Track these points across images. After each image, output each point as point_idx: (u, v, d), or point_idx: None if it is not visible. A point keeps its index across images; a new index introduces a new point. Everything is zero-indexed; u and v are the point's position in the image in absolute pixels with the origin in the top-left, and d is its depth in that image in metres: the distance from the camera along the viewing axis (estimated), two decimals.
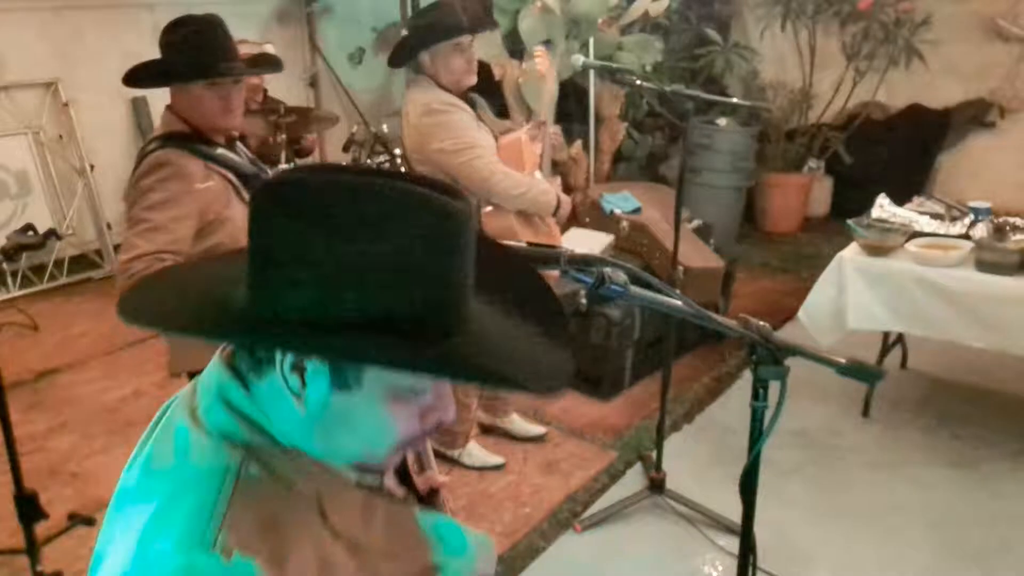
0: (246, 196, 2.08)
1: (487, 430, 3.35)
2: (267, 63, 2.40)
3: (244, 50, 4.03)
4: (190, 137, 2.07)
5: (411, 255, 0.74)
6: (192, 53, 2.01)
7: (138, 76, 2.11)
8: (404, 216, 0.74)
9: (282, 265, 0.75)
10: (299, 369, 0.78)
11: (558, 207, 2.82)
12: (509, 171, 2.71)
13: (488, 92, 2.88)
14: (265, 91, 4.13)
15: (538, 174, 2.91)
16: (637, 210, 4.14)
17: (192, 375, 2.09)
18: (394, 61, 2.83)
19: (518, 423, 3.33)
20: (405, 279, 0.74)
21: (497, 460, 3.16)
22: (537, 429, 3.33)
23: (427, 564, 0.91)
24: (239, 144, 2.25)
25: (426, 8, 2.81)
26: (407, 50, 2.76)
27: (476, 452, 3.16)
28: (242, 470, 0.79)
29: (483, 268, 0.83)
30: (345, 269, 0.73)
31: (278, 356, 0.79)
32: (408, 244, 0.74)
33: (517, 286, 0.92)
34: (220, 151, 2.10)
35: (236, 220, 2.05)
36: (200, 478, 0.79)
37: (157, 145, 2.06)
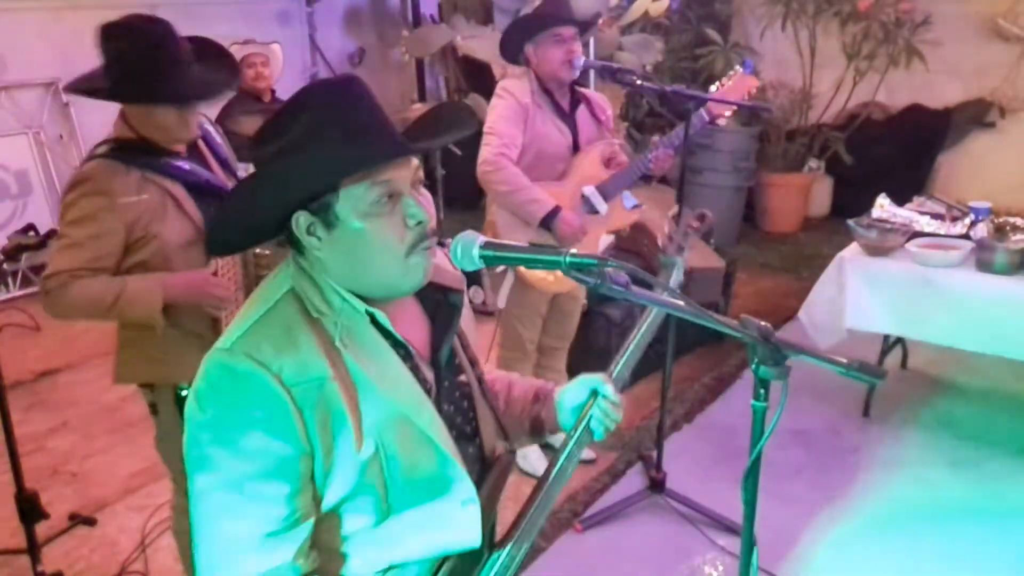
0: (190, 208, 1.93)
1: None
2: (215, 57, 2.08)
3: (250, 50, 4.04)
4: (134, 146, 1.95)
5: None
6: (143, 75, 1.86)
7: (81, 88, 2.00)
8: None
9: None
10: (308, 232, 1.07)
11: (551, 221, 2.70)
12: (506, 167, 2.68)
13: (489, 92, 2.87)
14: (273, 91, 4.12)
15: (589, 191, 2.82)
16: (636, 207, 4.13)
17: (144, 386, 2.00)
18: (504, 54, 2.84)
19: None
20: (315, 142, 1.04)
21: (587, 455, 3.12)
22: (587, 454, 3.18)
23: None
24: (214, 140, 2.12)
25: (540, 2, 2.84)
26: (513, 42, 2.77)
27: (532, 456, 3.11)
28: (278, 304, 1.07)
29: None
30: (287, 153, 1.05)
31: (294, 229, 1.07)
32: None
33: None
34: (168, 160, 1.96)
35: (165, 237, 1.91)
36: (253, 307, 1.09)
37: (97, 154, 1.97)
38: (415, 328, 1.18)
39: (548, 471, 1.24)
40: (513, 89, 2.75)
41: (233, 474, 1.01)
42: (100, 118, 5.87)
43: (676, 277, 1.58)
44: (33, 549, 2.52)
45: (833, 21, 5.72)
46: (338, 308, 1.09)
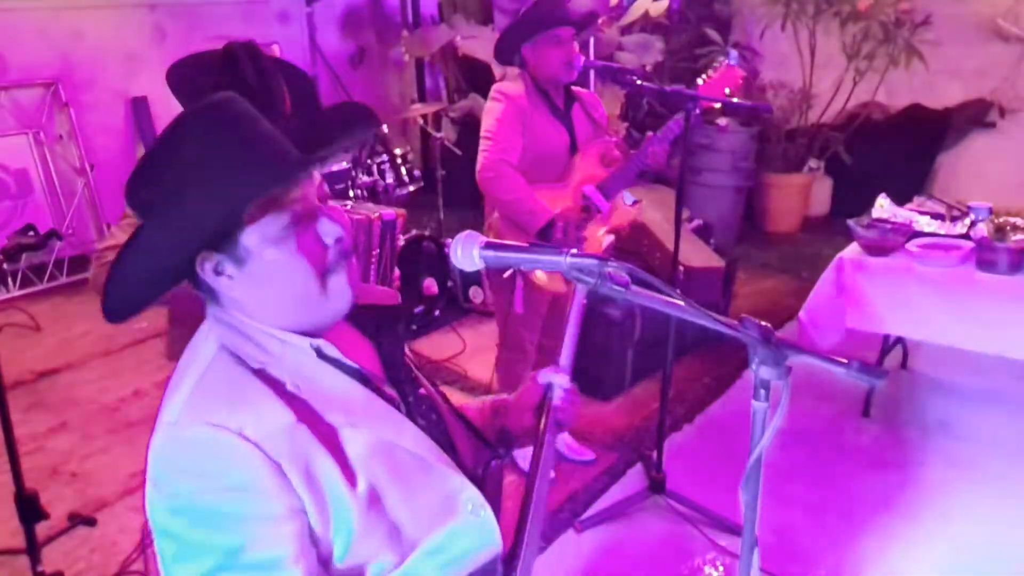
0: None
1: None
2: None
3: None
4: None
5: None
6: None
7: (176, 79, 1.94)
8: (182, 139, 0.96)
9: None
10: (216, 272, 0.98)
11: (548, 233, 2.67)
12: (507, 174, 2.67)
13: (488, 92, 2.86)
14: None
15: (589, 190, 2.80)
16: (635, 204, 4.13)
17: None
18: (499, 56, 2.84)
19: (565, 443, 3.22)
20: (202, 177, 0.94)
21: (587, 456, 3.15)
22: (586, 455, 3.20)
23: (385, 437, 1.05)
24: None
25: (534, 3, 2.83)
26: (510, 45, 2.76)
27: (566, 441, 3.13)
28: (212, 366, 0.99)
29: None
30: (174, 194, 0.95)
31: (200, 273, 0.98)
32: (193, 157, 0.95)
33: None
34: None
35: None
36: (184, 377, 1.01)
37: None
38: (360, 353, 1.12)
39: (532, 474, 1.19)
40: (508, 91, 2.74)
41: (225, 551, 0.91)
42: (100, 118, 5.92)
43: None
44: (33, 549, 2.52)
45: (833, 21, 5.71)
46: (278, 352, 1.00)
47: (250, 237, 0.96)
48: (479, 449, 1.25)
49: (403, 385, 1.15)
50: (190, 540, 0.92)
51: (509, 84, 2.78)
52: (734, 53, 2.79)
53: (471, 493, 1.10)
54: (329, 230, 1.01)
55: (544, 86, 2.78)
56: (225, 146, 0.94)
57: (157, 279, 0.98)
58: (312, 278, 1.00)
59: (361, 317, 1.13)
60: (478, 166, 2.71)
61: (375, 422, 1.03)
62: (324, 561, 0.99)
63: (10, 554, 2.60)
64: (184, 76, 2.00)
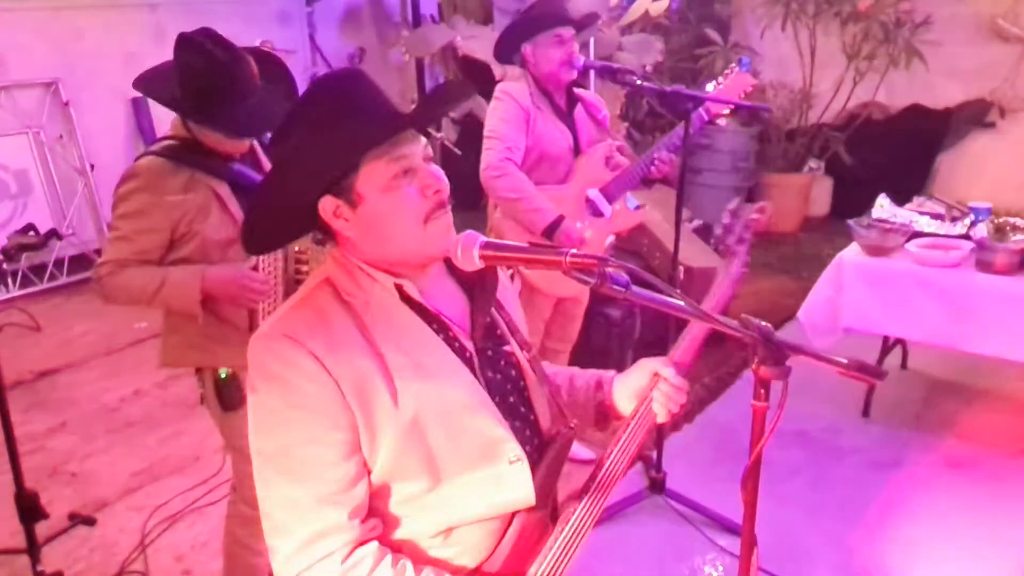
0: (233, 208, 2.01)
1: None
2: (278, 112, 2.19)
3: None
4: (184, 146, 2.02)
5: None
6: (208, 102, 1.92)
7: (148, 87, 2.05)
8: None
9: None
10: (335, 214, 1.15)
11: (553, 232, 2.67)
12: (512, 173, 2.67)
13: (489, 92, 2.86)
14: None
15: (593, 194, 2.81)
16: (638, 208, 4.13)
17: (198, 370, 2.11)
18: (499, 56, 2.83)
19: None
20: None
21: (588, 454, 3.12)
22: (587, 453, 3.15)
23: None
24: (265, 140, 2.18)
25: (533, 3, 2.83)
26: (510, 43, 2.76)
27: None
28: (312, 292, 1.18)
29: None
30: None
31: (322, 214, 1.15)
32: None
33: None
34: (217, 161, 2.03)
35: (207, 234, 2.01)
36: (293, 297, 1.21)
37: (149, 151, 2.05)
38: (452, 304, 1.25)
39: (607, 452, 1.28)
40: (512, 91, 2.74)
41: (284, 441, 1.10)
42: (100, 118, 5.92)
43: (736, 269, 1.58)
44: (33, 549, 2.52)
45: (833, 21, 5.72)
46: (367, 287, 1.17)
47: (365, 184, 1.12)
48: (556, 415, 1.32)
49: (486, 339, 1.25)
50: (263, 424, 1.13)
51: (513, 84, 2.77)
52: (746, 60, 2.80)
53: (513, 447, 1.19)
54: (429, 183, 1.15)
55: (546, 87, 2.78)
56: (350, 103, 1.14)
57: (288, 219, 1.19)
58: (414, 221, 1.14)
59: (464, 274, 1.22)
60: (483, 165, 2.70)
61: (433, 365, 1.16)
62: (366, 470, 1.14)
63: (10, 554, 2.60)
64: (151, 78, 2.06)
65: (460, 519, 1.18)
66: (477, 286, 1.27)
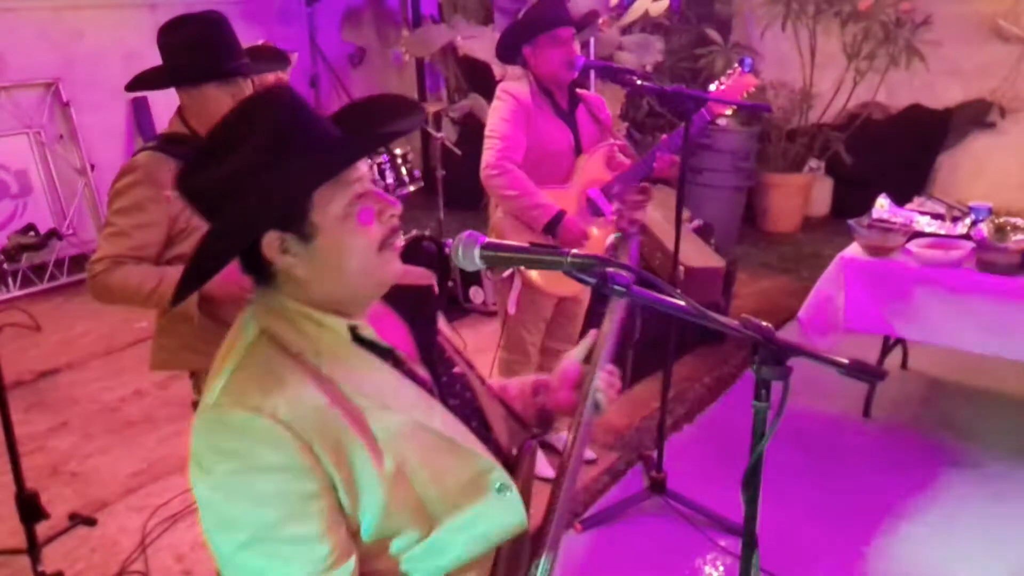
0: None
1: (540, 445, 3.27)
2: (271, 58, 2.31)
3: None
4: (181, 140, 2.02)
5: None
6: (198, 53, 1.96)
7: (145, 81, 2.08)
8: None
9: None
10: (282, 250, 1.03)
11: (555, 227, 2.68)
12: (511, 171, 2.67)
13: (489, 92, 2.87)
14: None
15: (594, 194, 2.80)
16: None
17: (193, 374, 2.10)
18: (501, 56, 2.84)
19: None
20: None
21: (588, 455, 3.14)
22: (587, 454, 3.18)
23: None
24: None
25: (534, 3, 2.83)
26: (510, 45, 2.77)
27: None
28: (251, 350, 1.04)
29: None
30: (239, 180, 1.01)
31: (266, 252, 1.03)
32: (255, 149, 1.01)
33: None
34: None
35: (203, 231, 2.01)
36: (225, 359, 1.06)
37: (146, 147, 2.05)
38: (395, 333, 1.16)
39: (567, 453, 1.23)
40: (514, 91, 2.74)
41: (260, 525, 0.98)
42: (100, 118, 5.93)
43: (629, 251, 1.54)
44: (33, 549, 2.52)
45: (833, 21, 5.72)
46: (315, 336, 1.05)
47: (318, 215, 1.02)
48: (515, 429, 1.28)
49: (436, 365, 1.19)
50: (228, 514, 0.99)
51: (514, 84, 2.78)
52: (748, 60, 2.79)
53: (499, 474, 1.13)
54: (383, 207, 1.08)
55: (547, 86, 2.78)
56: (295, 128, 1.02)
57: (224, 260, 1.05)
58: (371, 251, 1.06)
59: (396, 297, 1.17)
60: (483, 164, 2.71)
61: (405, 405, 1.08)
62: (352, 535, 1.04)
63: (10, 554, 2.60)
64: (141, 75, 2.09)
65: (456, 562, 1.11)
66: (415, 307, 1.21)
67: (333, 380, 1.03)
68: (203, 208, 1.06)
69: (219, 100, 1.98)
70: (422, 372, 1.15)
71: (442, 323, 1.29)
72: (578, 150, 2.84)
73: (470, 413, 1.20)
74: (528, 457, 1.23)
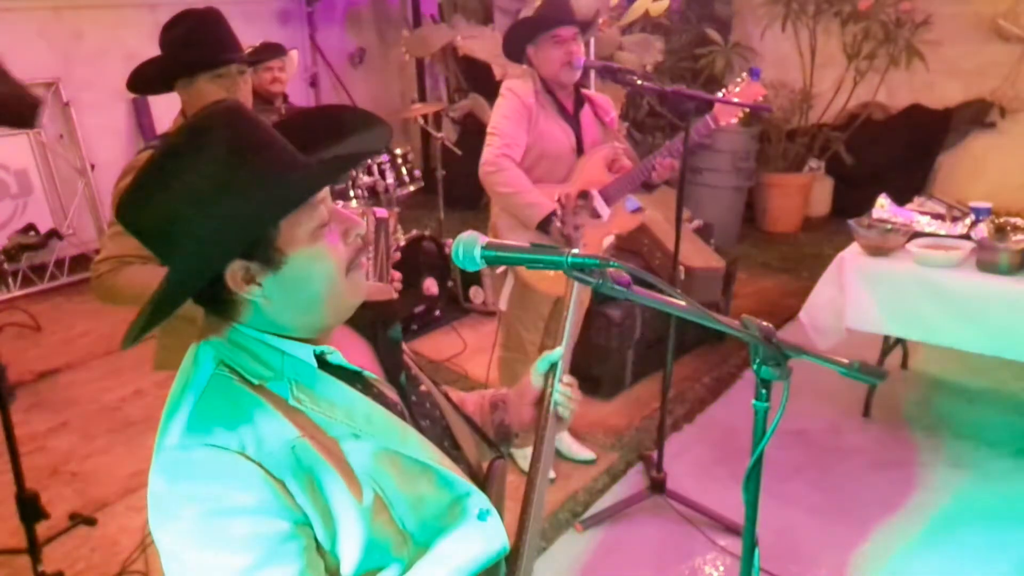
0: None
1: None
2: (265, 49, 2.31)
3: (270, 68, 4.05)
4: None
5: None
6: (194, 47, 1.97)
7: (143, 77, 2.09)
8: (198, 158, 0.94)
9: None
10: (246, 280, 0.97)
11: (548, 225, 2.65)
12: (508, 168, 2.67)
13: (489, 92, 2.87)
14: (286, 95, 4.11)
15: (592, 194, 2.81)
16: (638, 210, 4.13)
17: None
18: (507, 54, 2.83)
19: (566, 443, 3.21)
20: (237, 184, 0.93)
21: (588, 455, 3.18)
22: (587, 454, 3.20)
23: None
24: None
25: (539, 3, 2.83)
26: (514, 45, 2.77)
27: (567, 441, 3.17)
28: (211, 384, 0.97)
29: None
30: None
31: (229, 283, 0.96)
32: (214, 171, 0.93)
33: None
34: None
35: None
36: (182, 397, 0.98)
37: (150, 146, 2.06)
38: (360, 354, 1.12)
39: (532, 471, 1.21)
40: (517, 89, 2.74)
41: (235, 572, 0.91)
42: (100, 118, 5.92)
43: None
44: (33, 549, 2.52)
45: (833, 21, 5.72)
46: (279, 366, 0.99)
47: (284, 241, 0.96)
48: (481, 447, 1.24)
49: (402, 384, 1.15)
50: (199, 562, 0.92)
51: (519, 82, 2.78)
52: (757, 70, 2.78)
53: (478, 499, 1.08)
54: (348, 227, 1.03)
55: (551, 86, 2.78)
56: (254, 148, 0.95)
57: (185, 296, 0.98)
58: (339, 274, 1.01)
59: (357, 316, 1.10)
60: (482, 159, 2.71)
61: (378, 431, 1.02)
62: (332, 573, 0.98)
63: (10, 554, 2.60)
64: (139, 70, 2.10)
65: None
66: (377, 324, 1.16)
67: (301, 410, 0.97)
68: (154, 244, 0.97)
69: (211, 93, 1.99)
70: (391, 393, 1.11)
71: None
72: (580, 151, 2.84)
73: (439, 432, 1.16)
74: (498, 476, 1.18)
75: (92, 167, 5.39)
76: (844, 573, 2.61)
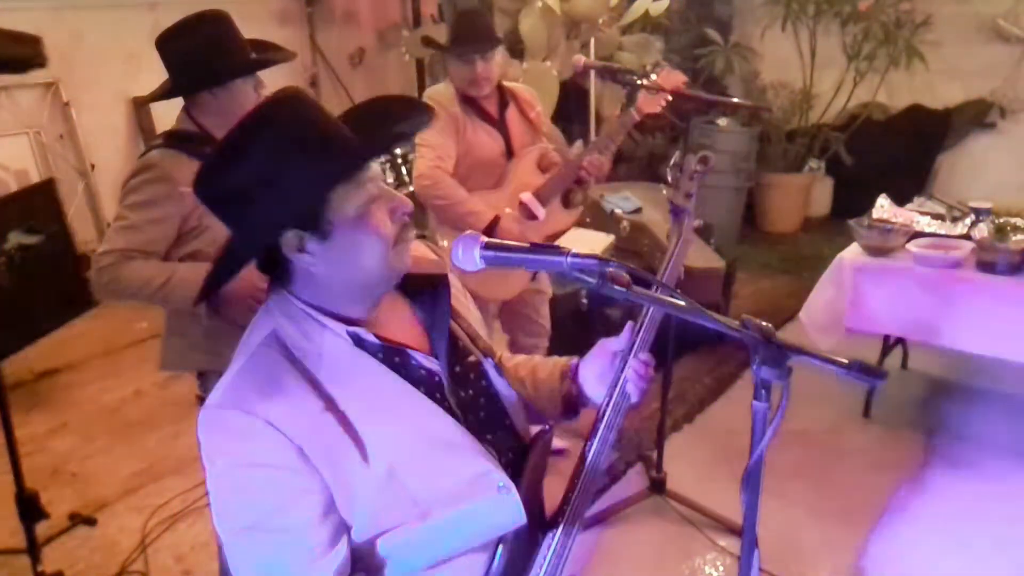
0: None
1: None
2: (274, 55, 2.29)
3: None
4: (193, 138, 2.02)
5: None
6: (205, 64, 1.96)
7: (157, 95, 2.08)
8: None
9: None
10: (299, 248, 1.07)
11: (491, 233, 2.62)
12: (442, 179, 2.65)
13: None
14: None
15: (527, 197, 2.79)
16: (638, 210, 4.14)
17: (201, 374, 2.10)
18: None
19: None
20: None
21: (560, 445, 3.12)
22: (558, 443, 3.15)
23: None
24: None
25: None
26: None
27: None
28: (258, 352, 1.10)
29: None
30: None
31: (284, 250, 1.07)
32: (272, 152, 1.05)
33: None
34: None
35: (217, 229, 2.00)
36: (236, 359, 1.13)
37: (156, 144, 2.05)
38: (408, 326, 1.21)
39: (588, 444, 1.25)
40: (440, 99, 2.72)
41: (254, 515, 1.05)
42: (100, 118, 5.90)
43: (688, 224, 1.55)
44: (33, 549, 2.52)
45: (833, 21, 5.71)
46: (317, 338, 1.10)
47: (335, 213, 1.07)
48: (533, 415, 1.30)
49: (449, 355, 1.20)
50: (227, 502, 1.07)
51: (441, 88, 2.77)
52: (668, 65, 2.81)
53: (497, 475, 1.14)
54: (396, 205, 1.13)
55: (469, 94, 2.76)
56: (309, 129, 1.07)
57: (246, 259, 1.11)
58: (385, 248, 1.11)
59: (408, 285, 1.20)
60: (415, 173, 2.70)
61: (402, 412, 1.11)
62: (344, 528, 1.09)
63: (10, 554, 2.60)
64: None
65: (451, 552, 1.15)
66: (429, 298, 1.23)
67: (330, 387, 1.08)
68: (223, 211, 1.10)
69: (219, 102, 1.99)
70: (430, 364, 1.17)
71: (467, 309, 1.32)
72: (510, 154, 2.82)
73: (484, 403, 1.23)
74: (541, 445, 1.25)
75: (92, 167, 5.38)
76: (844, 573, 2.61)
